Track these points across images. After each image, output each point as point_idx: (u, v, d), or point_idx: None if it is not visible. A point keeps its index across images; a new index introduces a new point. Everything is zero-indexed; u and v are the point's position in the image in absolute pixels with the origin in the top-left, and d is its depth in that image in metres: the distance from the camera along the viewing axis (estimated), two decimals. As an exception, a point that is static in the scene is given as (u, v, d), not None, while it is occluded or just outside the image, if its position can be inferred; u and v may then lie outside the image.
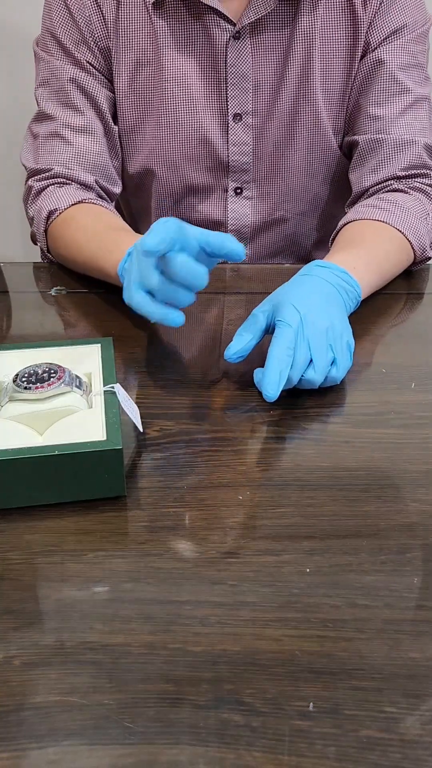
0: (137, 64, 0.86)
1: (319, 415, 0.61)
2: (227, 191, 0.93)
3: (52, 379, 0.55)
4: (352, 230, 0.82)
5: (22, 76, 1.29)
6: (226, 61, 0.84)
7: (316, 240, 1.02)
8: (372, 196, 0.87)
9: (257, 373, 0.62)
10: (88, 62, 0.85)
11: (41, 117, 0.87)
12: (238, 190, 0.93)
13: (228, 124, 0.88)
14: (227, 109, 0.87)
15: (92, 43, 0.84)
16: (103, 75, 0.87)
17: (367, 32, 0.84)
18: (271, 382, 0.58)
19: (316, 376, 0.60)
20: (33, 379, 0.55)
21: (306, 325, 0.60)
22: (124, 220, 1.04)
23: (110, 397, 0.54)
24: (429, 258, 0.85)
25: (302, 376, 0.60)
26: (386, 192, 0.86)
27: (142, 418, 0.57)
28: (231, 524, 0.50)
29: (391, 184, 0.86)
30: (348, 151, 0.92)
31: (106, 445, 0.49)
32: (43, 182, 0.86)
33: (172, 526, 0.50)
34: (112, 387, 0.55)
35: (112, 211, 0.86)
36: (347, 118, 0.90)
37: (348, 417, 0.61)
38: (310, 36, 0.83)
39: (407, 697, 0.39)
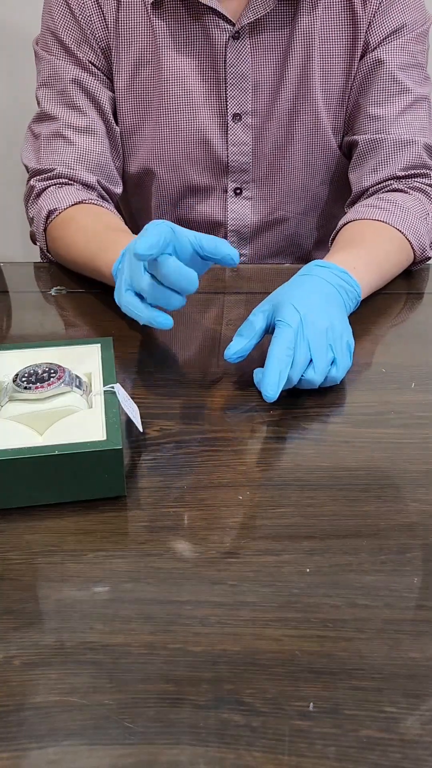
0: (137, 64, 0.86)
1: (319, 415, 0.61)
2: (227, 191, 0.93)
3: (52, 379, 0.55)
4: (352, 230, 0.82)
5: (22, 76, 1.29)
6: (225, 61, 0.84)
7: (315, 240, 1.02)
8: (372, 196, 0.87)
9: (257, 373, 0.62)
10: (89, 62, 0.85)
11: (43, 117, 0.87)
12: (238, 191, 0.93)
13: (227, 124, 0.88)
14: (226, 109, 0.87)
15: (93, 42, 0.84)
16: (104, 75, 0.87)
17: (366, 32, 0.84)
18: (271, 382, 0.58)
19: (316, 376, 0.60)
20: (33, 379, 0.55)
21: (306, 325, 0.60)
22: (125, 219, 1.04)
23: (110, 397, 0.54)
24: (429, 258, 0.85)
25: (302, 376, 0.60)
26: (386, 192, 0.86)
27: (142, 418, 0.57)
28: (231, 524, 0.50)
29: (390, 184, 0.86)
30: (347, 151, 0.92)
31: (106, 445, 0.49)
32: (45, 182, 0.86)
33: (172, 526, 0.50)
34: (112, 387, 0.55)
35: (112, 212, 0.86)
36: (347, 118, 0.90)
37: (348, 417, 0.61)
38: (309, 36, 0.83)
39: (407, 697, 0.39)
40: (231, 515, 0.51)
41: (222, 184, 0.93)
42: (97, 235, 0.77)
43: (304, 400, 0.62)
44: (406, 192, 0.84)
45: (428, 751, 0.37)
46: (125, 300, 0.60)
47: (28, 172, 0.88)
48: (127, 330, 0.73)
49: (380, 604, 0.44)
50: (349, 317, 0.67)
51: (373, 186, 0.87)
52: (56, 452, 0.49)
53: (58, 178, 0.85)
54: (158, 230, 0.54)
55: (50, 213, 0.84)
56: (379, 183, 0.87)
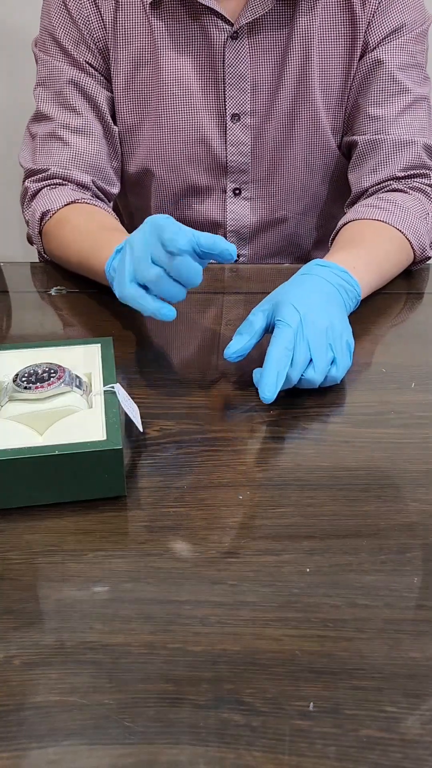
0: (135, 64, 0.86)
1: (319, 415, 0.61)
2: (226, 192, 0.93)
3: (52, 379, 0.55)
4: (352, 230, 0.82)
5: (22, 76, 1.29)
6: (223, 61, 0.84)
7: (315, 240, 1.02)
8: (371, 196, 0.87)
9: (256, 373, 0.62)
10: (87, 62, 0.85)
11: (39, 117, 0.88)
12: (237, 191, 0.93)
13: (226, 124, 0.88)
14: (225, 109, 0.87)
15: (91, 43, 0.84)
16: (102, 75, 0.87)
17: (365, 32, 0.84)
18: (269, 383, 0.57)
19: (315, 376, 0.60)
20: (33, 379, 0.55)
21: (306, 325, 0.60)
22: (124, 219, 1.04)
23: (110, 397, 0.54)
24: (429, 257, 0.85)
25: (302, 375, 0.60)
26: (386, 192, 0.86)
27: (142, 418, 0.57)
28: (231, 524, 0.50)
29: (390, 185, 0.86)
30: (347, 151, 0.92)
31: (106, 445, 0.49)
32: (38, 183, 0.86)
33: (172, 526, 0.50)
34: (112, 387, 0.55)
35: (106, 211, 0.86)
36: (346, 118, 0.90)
37: (348, 417, 0.61)
38: (308, 36, 0.83)
39: (407, 696, 0.39)
40: (231, 515, 0.51)
41: (221, 185, 0.93)
42: (91, 234, 0.78)
43: (304, 400, 0.62)
44: (405, 192, 0.84)
45: (428, 750, 0.37)
46: (129, 292, 0.60)
47: (23, 172, 0.88)
48: (127, 330, 0.73)
49: (380, 604, 0.44)
50: (349, 317, 0.67)
51: (372, 186, 0.87)
52: (56, 452, 0.49)
53: (52, 178, 0.85)
54: (180, 226, 0.57)
55: (44, 215, 0.84)
56: (379, 183, 0.87)
